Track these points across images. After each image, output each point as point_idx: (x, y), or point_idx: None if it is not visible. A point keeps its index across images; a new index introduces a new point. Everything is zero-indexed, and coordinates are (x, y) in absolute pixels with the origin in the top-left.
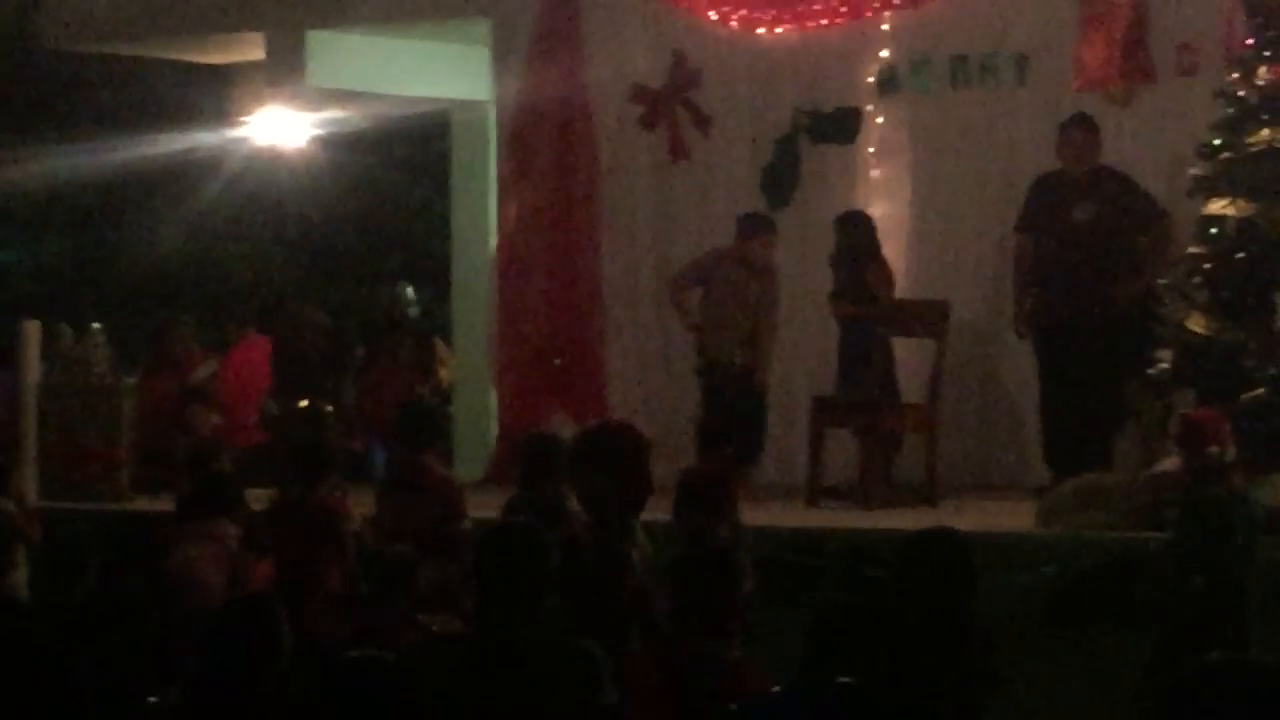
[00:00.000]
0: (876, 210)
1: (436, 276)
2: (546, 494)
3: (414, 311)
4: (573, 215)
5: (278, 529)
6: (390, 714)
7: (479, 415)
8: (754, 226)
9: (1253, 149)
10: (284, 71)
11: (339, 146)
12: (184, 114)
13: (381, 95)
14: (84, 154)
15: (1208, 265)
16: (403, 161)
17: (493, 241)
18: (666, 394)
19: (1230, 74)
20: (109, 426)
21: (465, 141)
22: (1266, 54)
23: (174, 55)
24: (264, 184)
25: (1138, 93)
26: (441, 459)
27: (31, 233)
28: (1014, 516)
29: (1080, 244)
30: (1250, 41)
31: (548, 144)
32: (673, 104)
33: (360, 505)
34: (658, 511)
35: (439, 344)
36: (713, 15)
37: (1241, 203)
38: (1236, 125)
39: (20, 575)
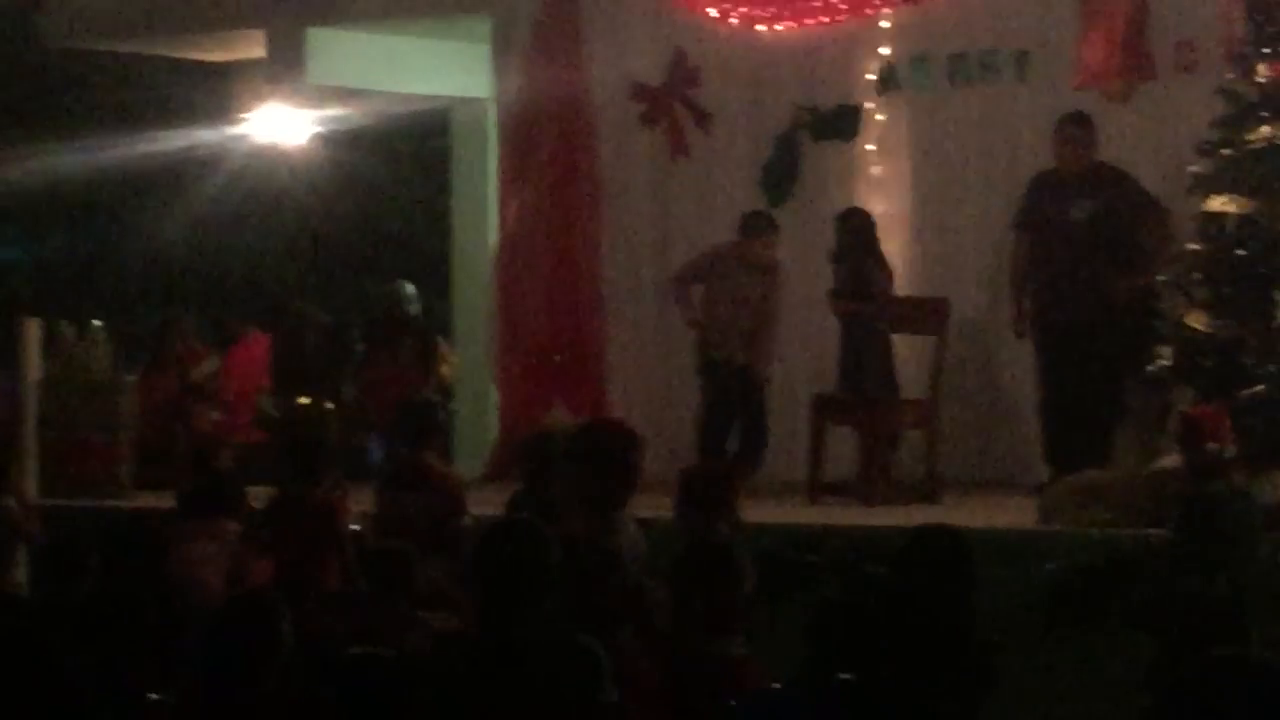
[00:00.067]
0: (876, 207)
1: (437, 274)
2: (549, 491)
3: (414, 309)
4: (573, 213)
5: (276, 527)
6: (391, 712)
7: (479, 412)
8: (757, 225)
9: (1252, 146)
10: (284, 69)
11: (339, 144)
12: (184, 111)
13: (382, 92)
14: (84, 151)
15: (1207, 262)
16: (403, 159)
17: (493, 239)
18: (667, 391)
19: (1230, 71)
20: (110, 424)
21: (465, 139)
22: (1266, 51)
23: (174, 53)
24: (264, 181)
25: (1137, 90)
26: (441, 456)
27: (32, 230)
28: (1014, 513)
29: (1079, 242)
30: (1249, 38)
31: (548, 141)
32: (673, 101)
33: (359, 502)
34: (659, 509)
35: (440, 341)
36: (713, 13)
37: (1241, 200)
38: (1236, 122)
39: (20, 573)
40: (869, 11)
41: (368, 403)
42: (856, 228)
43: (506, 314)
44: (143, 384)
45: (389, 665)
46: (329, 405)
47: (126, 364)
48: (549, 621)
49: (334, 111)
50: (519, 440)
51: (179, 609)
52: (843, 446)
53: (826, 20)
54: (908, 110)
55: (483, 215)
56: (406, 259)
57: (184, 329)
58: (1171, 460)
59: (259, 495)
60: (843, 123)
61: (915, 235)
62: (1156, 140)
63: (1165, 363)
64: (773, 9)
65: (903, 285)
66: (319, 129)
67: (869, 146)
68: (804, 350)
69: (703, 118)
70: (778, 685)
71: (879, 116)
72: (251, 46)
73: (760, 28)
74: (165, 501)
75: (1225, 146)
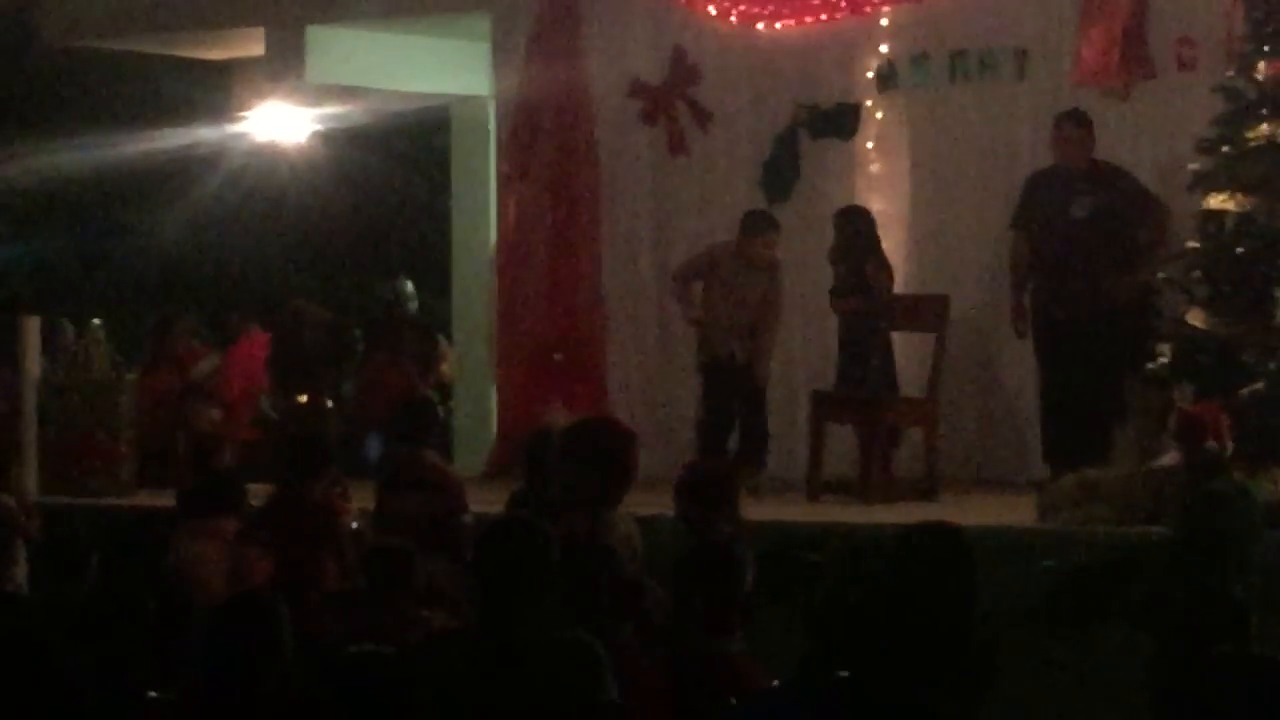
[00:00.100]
0: (876, 205)
1: (436, 272)
2: (548, 489)
3: (413, 306)
4: (573, 211)
5: (275, 525)
6: (391, 710)
7: (479, 411)
8: (757, 224)
9: (1252, 144)
10: (284, 67)
11: (339, 142)
12: (184, 109)
13: (381, 91)
14: (84, 149)
15: (1207, 260)
16: (403, 157)
17: (493, 237)
18: (667, 389)
19: (1229, 69)
20: (110, 422)
21: (465, 137)
22: (1266, 49)
23: (174, 51)
24: (264, 179)
25: (1137, 87)
26: (441, 454)
27: (32, 228)
28: (1014, 511)
29: (1078, 239)
30: (1249, 36)
31: (548, 139)
32: (672, 99)
33: (358, 500)
34: (659, 507)
35: (440, 339)
36: (712, 11)
37: (1241, 198)
38: (1236, 120)
39: (20, 571)
40: (868, 9)
41: (367, 401)
42: (857, 226)
43: (506, 312)
44: (143, 382)
45: (389, 664)
46: (329, 403)
47: (126, 363)
48: (549, 620)
49: (333, 110)
50: (519, 438)
51: (179, 608)
52: (842, 445)
53: (826, 18)
54: (907, 108)
55: (482, 214)
56: (406, 257)
57: (184, 327)
58: (1171, 458)
59: (259, 493)
60: (842, 121)
61: (915, 232)
62: (1156, 138)
63: (1165, 360)
64: (772, 7)
65: (902, 283)
66: (318, 127)
67: (868, 144)
68: (803, 348)
69: (702, 116)
70: (777, 684)
71: (878, 114)
72: (251, 45)
73: (760, 26)
74: (165, 500)
75: (1225, 144)
